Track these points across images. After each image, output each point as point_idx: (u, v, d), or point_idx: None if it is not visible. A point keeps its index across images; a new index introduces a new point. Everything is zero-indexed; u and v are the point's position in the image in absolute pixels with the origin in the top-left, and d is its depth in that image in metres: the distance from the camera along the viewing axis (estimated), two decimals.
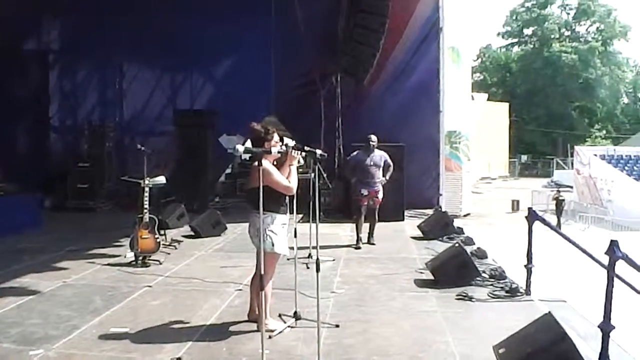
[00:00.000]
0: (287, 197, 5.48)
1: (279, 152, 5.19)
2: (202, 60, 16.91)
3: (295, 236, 6.40)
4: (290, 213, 5.72)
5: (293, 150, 5.30)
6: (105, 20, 15.44)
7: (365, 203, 10.17)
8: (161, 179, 9.61)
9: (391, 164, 10.37)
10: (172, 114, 16.09)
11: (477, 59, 70.93)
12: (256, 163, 4.74)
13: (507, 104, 55.23)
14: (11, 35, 15.21)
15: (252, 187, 5.09)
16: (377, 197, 10.21)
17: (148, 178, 8.88)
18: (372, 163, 10.14)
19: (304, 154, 5.41)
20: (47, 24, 16.83)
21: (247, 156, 5.00)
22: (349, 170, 10.52)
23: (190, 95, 17.59)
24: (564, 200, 25.27)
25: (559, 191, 26.95)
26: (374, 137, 10.23)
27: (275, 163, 5.46)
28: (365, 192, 10.14)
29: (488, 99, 54.20)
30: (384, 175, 10.26)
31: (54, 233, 11.23)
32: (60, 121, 17.26)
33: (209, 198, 15.56)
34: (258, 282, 5.34)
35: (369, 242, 10.30)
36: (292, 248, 6.16)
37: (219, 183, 17.80)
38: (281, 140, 5.40)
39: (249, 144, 5.32)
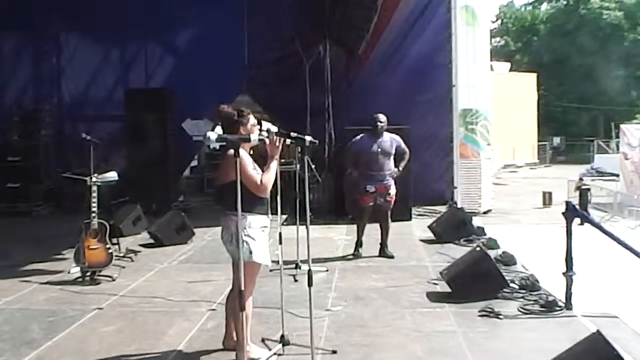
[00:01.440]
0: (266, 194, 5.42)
1: (259, 139, 5.13)
2: (160, 28, 16.75)
3: (280, 242, 6.38)
4: (272, 214, 5.68)
5: (276, 138, 5.23)
6: None
7: (371, 203, 9.73)
8: (112, 175, 9.61)
9: (407, 150, 9.99)
10: (123, 94, 15.98)
11: (497, 20, 71.03)
12: (231, 151, 4.70)
13: (534, 75, 55.31)
14: None
15: (224, 182, 5.06)
16: (390, 194, 9.78)
17: (96, 174, 8.84)
18: (380, 150, 9.66)
19: (289, 141, 5.36)
20: None
21: (217, 145, 4.96)
22: (351, 161, 9.95)
23: (145, 72, 17.44)
24: (589, 189, 25.39)
25: (581, 179, 27.07)
26: (382, 117, 9.75)
27: (252, 153, 5.42)
28: (371, 188, 9.65)
29: (511, 69, 54.31)
30: (396, 166, 9.85)
31: None
32: None
33: (171, 197, 15.52)
34: (235, 301, 5.31)
35: (383, 254, 9.92)
36: (276, 261, 6.14)
37: (183, 178, 17.80)
38: (259, 124, 5.35)
39: (219, 130, 5.28)
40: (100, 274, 8.57)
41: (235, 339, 5.48)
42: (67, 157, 15.91)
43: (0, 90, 16.87)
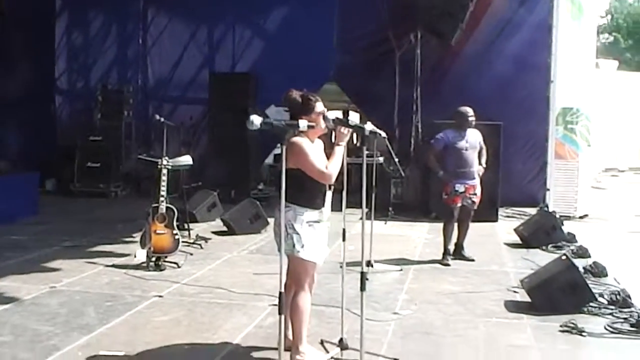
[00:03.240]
0: (324, 188, 5.20)
1: (308, 127, 4.86)
2: (248, 10, 16.71)
3: (344, 239, 6.14)
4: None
5: (339, 126, 4.97)
6: None
7: (460, 204, 9.31)
8: (186, 159, 9.69)
9: (484, 146, 9.63)
10: (208, 77, 16.01)
11: (607, 15, 68.92)
12: (294, 139, 4.60)
13: None
14: None
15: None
16: (476, 194, 9.37)
17: (167, 157, 8.83)
18: (468, 145, 9.26)
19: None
20: None
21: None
22: (435, 158, 9.55)
23: (232, 55, 17.41)
24: None
25: None
26: (471, 111, 9.32)
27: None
28: (461, 188, 9.21)
29: (619, 68, 52.60)
30: (479, 163, 9.50)
31: (51, 223, 11.46)
32: (69, 84, 17.43)
33: (251, 185, 15.50)
34: (289, 297, 5.22)
35: (459, 255, 9.53)
36: (341, 262, 5.89)
37: (265, 166, 17.70)
38: (345, 114, 5.14)
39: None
40: (166, 260, 8.56)
41: (291, 338, 5.28)
42: (149, 140, 16.09)
43: (86, 70, 17.19)
